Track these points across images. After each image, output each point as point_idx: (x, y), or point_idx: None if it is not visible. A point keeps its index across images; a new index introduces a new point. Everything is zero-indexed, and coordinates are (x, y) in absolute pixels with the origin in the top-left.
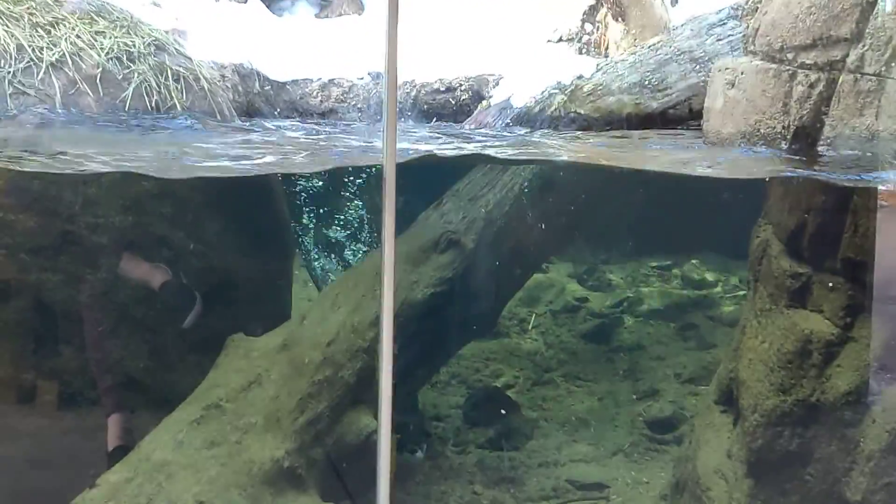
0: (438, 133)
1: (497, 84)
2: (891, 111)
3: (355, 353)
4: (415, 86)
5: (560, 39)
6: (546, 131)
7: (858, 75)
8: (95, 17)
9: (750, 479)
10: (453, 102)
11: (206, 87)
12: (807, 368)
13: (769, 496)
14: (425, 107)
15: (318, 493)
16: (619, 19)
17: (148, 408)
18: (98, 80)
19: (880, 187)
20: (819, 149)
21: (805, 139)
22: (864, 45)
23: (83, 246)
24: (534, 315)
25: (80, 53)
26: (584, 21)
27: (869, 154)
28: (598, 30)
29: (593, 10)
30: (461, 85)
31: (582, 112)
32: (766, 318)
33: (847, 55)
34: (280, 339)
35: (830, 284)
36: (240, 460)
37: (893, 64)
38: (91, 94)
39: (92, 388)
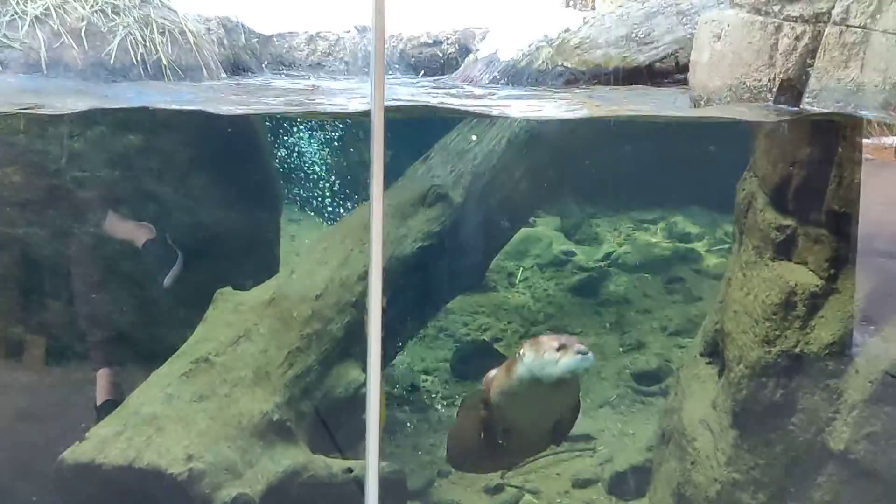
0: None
1: (484, 37)
2: (875, 63)
3: (344, 306)
4: (401, 39)
5: None
6: None
7: (844, 27)
8: None
9: (735, 430)
10: (440, 56)
11: (191, 41)
12: (791, 320)
13: (753, 446)
14: (412, 60)
15: (307, 445)
16: None
17: (137, 362)
18: (83, 34)
19: (865, 141)
20: (804, 101)
21: (790, 92)
22: None
23: (70, 200)
24: (521, 269)
25: (65, 6)
26: None
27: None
28: None
29: None
30: (448, 38)
31: (569, 65)
32: (752, 271)
33: (832, 7)
34: (268, 293)
35: (815, 237)
36: (229, 413)
37: (878, 16)
38: (75, 47)
39: (80, 342)
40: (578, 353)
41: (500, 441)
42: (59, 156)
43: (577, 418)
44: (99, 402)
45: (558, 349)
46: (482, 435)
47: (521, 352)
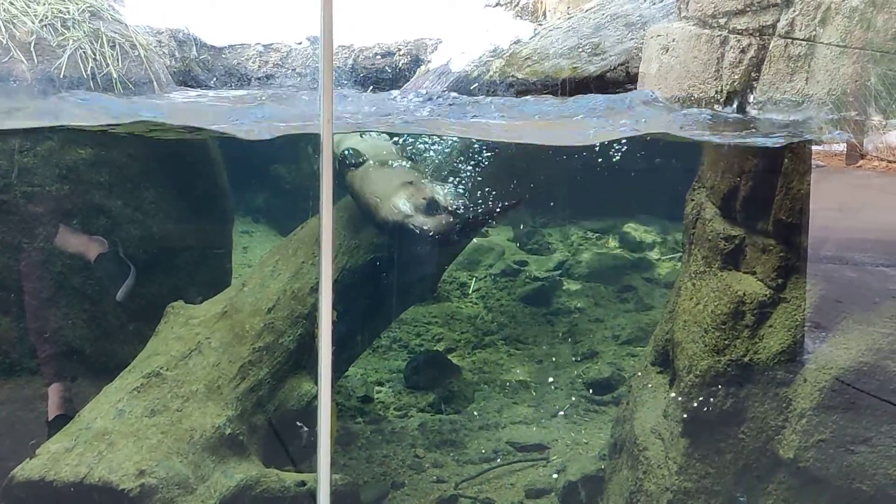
0: None
1: (436, 49)
2: (820, 76)
3: (296, 319)
4: (353, 50)
5: (497, 4)
6: None
7: (789, 40)
8: None
9: (685, 439)
10: (389, 71)
11: (142, 54)
12: (740, 329)
13: (704, 455)
14: (363, 72)
15: (259, 459)
16: None
17: (88, 376)
18: (32, 48)
19: (815, 147)
20: (751, 112)
21: (737, 103)
22: (794, 11)
23: (19, 215)
24: (474, 279)
25: (14, 21)
26: None
27: (798, 118)
28: None
29: None
30: (400, 49)
31: (520, 76)
32: (701, 281)
33: (778, 20)
34: (220, 307)
35: (763, 246)
36: (181, 428)
37: (823, 29)
38: (25, 61)
39: (31, 357)
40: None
41: None
42: (8, 170)
43: None
44: (50, 418)
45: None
46: None
47: None
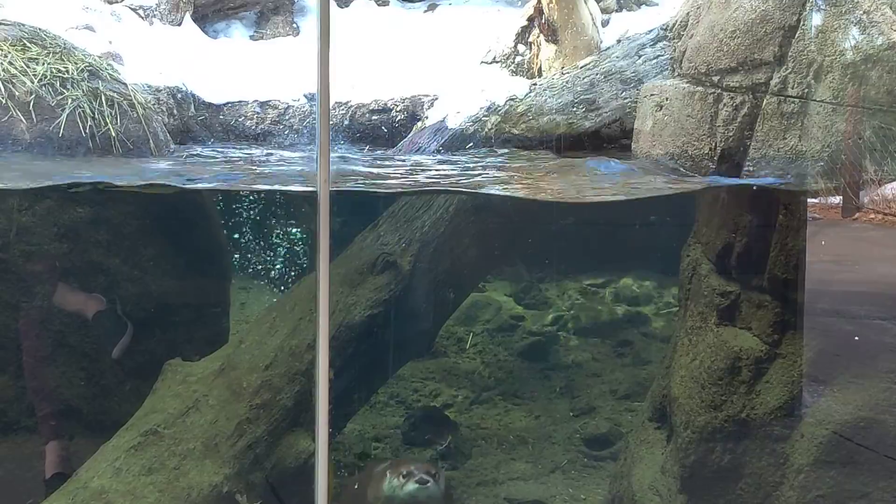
0: None
1: (432, 105)
2: (815, 131)
3: (293, 376)
4: (349, 107)
5: (493, 60)
6: None
7: (782, 98)
8: (28, 44)
9: (683, 495)
10: (384, 130)
11: (140, 113)
12: (737, 385)
13: None
14: (360, 129)
15: None
16: (552, 41)
17: (86, 435)
18: (31, 107)
19: (811, 200)
20: (745, 170)
21: (731, 160)
22: (786, 68)
23: (17, 274)
24: (471, 334)
25: (13, 80)
26: (516, 42)
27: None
28: (530, 51)
29: (526, 31)
30: (396, 106)
31: (516, 132)
32: (697, 336)
33: (771, 78)
34: (218, 364)
35: (758, 302)
36: (178, 486)
37: (816, 85)
38: (24, 121)
39: (29, 415)
40: (418, 482)
41: None
42: (7, 229)
43: None
44: (48, 476)
45: (405, 476)
46: None
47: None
